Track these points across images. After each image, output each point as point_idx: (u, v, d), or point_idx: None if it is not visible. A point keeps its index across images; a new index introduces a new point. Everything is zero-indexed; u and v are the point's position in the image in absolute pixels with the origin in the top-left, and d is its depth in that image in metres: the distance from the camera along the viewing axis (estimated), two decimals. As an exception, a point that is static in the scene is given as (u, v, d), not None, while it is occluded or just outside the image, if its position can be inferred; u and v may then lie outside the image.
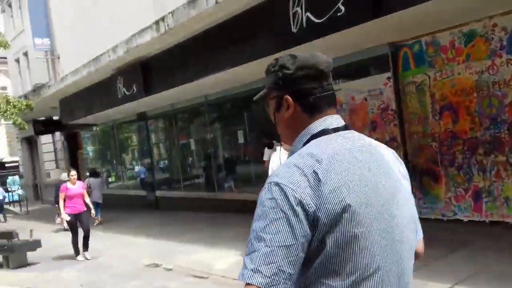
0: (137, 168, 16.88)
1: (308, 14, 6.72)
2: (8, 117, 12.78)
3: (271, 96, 1.40)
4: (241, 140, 11.30)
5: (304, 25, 6.84)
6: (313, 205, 1.17)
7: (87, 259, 8.45)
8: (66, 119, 16.02)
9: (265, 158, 9.56)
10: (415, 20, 6.57)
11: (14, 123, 13.22)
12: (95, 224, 13.28)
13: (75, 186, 8.77)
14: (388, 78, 7.95)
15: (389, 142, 8.04)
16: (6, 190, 30.58)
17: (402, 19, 6.27)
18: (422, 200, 7.78)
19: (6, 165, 35.77)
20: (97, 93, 13.20)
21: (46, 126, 20.72)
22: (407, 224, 1.33)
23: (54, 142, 23.12)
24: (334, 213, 1.17)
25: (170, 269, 6.99)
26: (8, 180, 35.49)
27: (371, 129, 8.32)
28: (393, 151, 1.44)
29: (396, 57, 7.89)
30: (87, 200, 8.90)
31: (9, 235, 8.31)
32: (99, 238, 10.79)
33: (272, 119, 1.43)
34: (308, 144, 1.31)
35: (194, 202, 12.54)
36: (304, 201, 1.17)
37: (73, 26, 17.50)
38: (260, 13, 7.59)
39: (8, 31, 23.25)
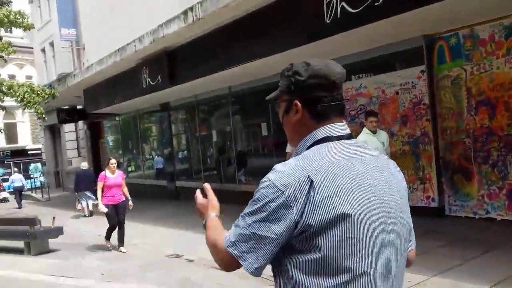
0: (156, 158, 16.95)
1: (344, 3, 6.48)
2: (31, 106, 12.82)
3: (282, 99, 1.46)
4: (264, 132, 11.12)
5: (338, 15, 6.61)
6: (299, 211, 1.24)
7: (121, 252, 8.02)
8: (90, 108, 16.05)
9: (287, 150, 9.39)
10: (452, 12, 6.29)
11: (36, 112, 13.27)
12: None
13: (114, 175, 8.18)
14: (422, 71, 7.67)
15: (421, 137, 7.79)
16: (29, 177, 31.16)
17: (439, 11, 6.00)
18: (453, 198, 7.52)
19: (29, 152, 36.40)
20: (121, 83, 13.16)
21: (69, 114, 20.88)
22: (401, 233, 1.37)
23: (76, 131, 23.29)
24: (325, 220, 1.22)
25: (192, 260, 6.86)
26: (30, 167, 36.13)
27: (402, 123, 8.06)
28: (393, 162, 1.48)
29: (431, 50, 7.62)
30: (126, 190, 8.35)
31: (32, 221, 8.28)
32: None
33: (280, 119, 1.49)
34: (310, 149, 1.36)
35: (215, 193, 12.37)
36: (289, 204, 1.24)
37: (99, 17, 17.53)
38: (292, 2, 7.38)
39: (35, 20, 23.40)
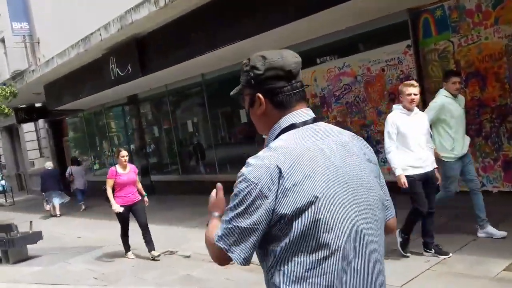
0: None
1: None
2: (10, 100, 11.96)
3: (246, 93, 1.53)
4: (244, 119, 10.80)
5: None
6: (273, 200, 1.31)
7: (155, 259, 6.60)
8: (52, 105, 15.23)
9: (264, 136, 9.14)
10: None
11: (1, 112, 12.45)
12: (81, 210, 13.65)
13: (126, 171, 6.84)
14: (408, 46, 7.54)
15: (410, 114, 7.67)
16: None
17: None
18: (446, 173, 7.45)
19: (-15, 156, 34.61)
20: (86, 76, 12.49)
21: (28, 113, 19.84)
22: (373, 206, 1.43)
23: (37, 130, 22.25)
24: (297, 205, 1.30)
25: (188, 256, 6.53)
26: (-13, 172, 34.41)
27: (389, 100, 7.92)
28: (360, 138, 1.54)
29: (416, 23, 7.47)
30: (140, 186, 7.11)
31: (8, 228, 7.70)
32: (100, 226, 10.29)
33: (247, 113, 1.56)
34: (278, 138, 1.41)
35: (192, 185, 12.04)
36: (264, 194, 1.31)
37: (53, 9, 16.64)
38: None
39: (-18, 15, 22.08)
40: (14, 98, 12.80)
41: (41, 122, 21.23)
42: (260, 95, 1.47)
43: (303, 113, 1.46)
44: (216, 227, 1.49)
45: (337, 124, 8.82)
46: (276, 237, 1.35)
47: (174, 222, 9.07)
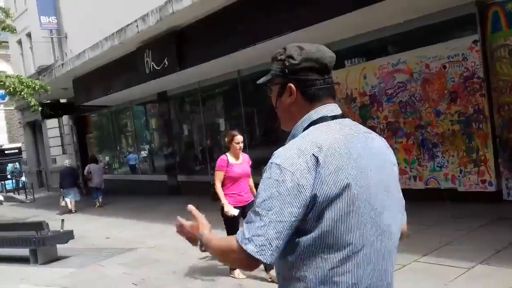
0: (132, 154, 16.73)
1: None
2: (26, 96, 11.60)
3: (275, 82, 1.50)
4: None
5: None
6: (310, 187, 1.29)
7: (271, 280, 4.95)
8: (80, 100, 14.86)
9: None
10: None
11: (30, 106, 12.07)
12: (95, 206, 13.95)
13: (239, 161, 5.32)
14: (475, 41, 6.92)
15: (474, 115, 7.07)
16: (6, 178, 29.64)
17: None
18: None
19: (6, 152, 34.65)
20: (118, 70, 12.08)
21: (54, 109, 19.63)
22: (394, 207, 1.45)
23: (60, 127, 22.00)
24: (331, 194, 1.29)
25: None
26: (8, 167, 34.43)
27: (450, 100, 7.31)
28: (383, 139, 1.53)
29: (485, 17, 6.86)
30: (252, 182, 5.45)
31: (39, 226, 7.24)
32: (126, 226, 9.84)
33: (273, 103, 1.53)
34: (308, 130, 1.41)
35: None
36: (301, 183, 1.28)
37: (81, 3, 16.30)
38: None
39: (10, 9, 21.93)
40: (45, 93, 12.39)
41: (65, 118, 20.99)
42: (292, 85, 1.44)
43: (333, 108, 1.46)
44: (222, 238, 1.48)
45: (389, 124, 8.36)
46: (305, 230, 1.31)
47: (214, 224, 8.53)
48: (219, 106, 12.70)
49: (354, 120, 1.50)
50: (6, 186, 28.00)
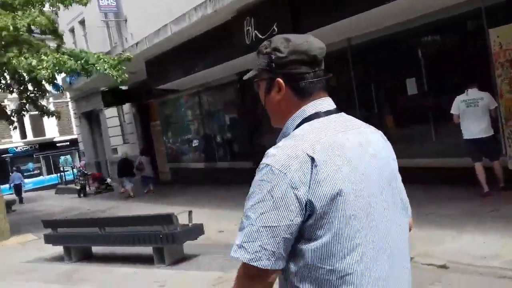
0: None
1: None
2: (106, 69, 10.47)
3: (262, 78, 1.41)
4: (411, 90, 8.78)
5: None
6: (304, 189, 1.20)
7: None
8: (155, 83, 13.73)
9: (453, 111, 7.12)
10: None
11: (121, 80, 10.98)
12: (145, 191, 15.61)
13: None
14: None
15: None
16: (60, 170, 29.33)
17: None
18: None
19: (58, 144, 34.41)
20: (206, 45, 10.83)
21: (115, 97, 18.74)
22: (395, 202, 1.37)
23: (120, 116, 21.11)
24: (330, 197, 1.21)
25: (443, 266, 4.66)
26: (60, 160, 34.18)
27: None
28: (380, 132, 1.45)
29: None
30: None
31: (167, 219, 6.05)
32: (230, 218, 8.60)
33: (262, 100, 1.43)
34: (301, 127, 1.33)
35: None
36: (294, 185, 1.20)
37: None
38: None
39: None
40: (128, 62, 11.22)
41: (126, 107, 20.09)
42: (281, 80, 1.36)
43: (326, 102, 1.37)
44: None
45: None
46: (305, 240, 1.24)
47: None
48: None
49: None
50: (66, 177, 27.76)
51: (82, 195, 19.47)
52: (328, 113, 1.35)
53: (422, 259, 4.80)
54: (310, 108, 1.35)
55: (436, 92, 8.58)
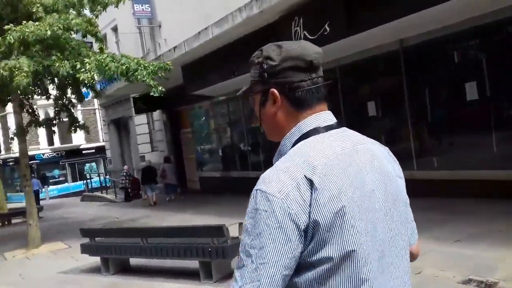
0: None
1: None
2: (144, 76, 10.03)
3: (256, 90, 1.30)
4: (471, 95, 8.12)
5: None
6: (305, 216, 1.09)
7: None
8: (191, 88, 13.31)
9: None
10: None
11: (151, 87, 10.49)
12: (167, 199, 16.04)
13: None
14: None
15: None
16: (85, 178, 29.22)
17: None
18: None
19: (84, 152, 34.44)
20: (249, 47, 10.32)
21: (146, 104, 18.40)
22: (399, 224, 1.25)
23: (149, 123, 20.79)
24: (332, 222, 1.09)
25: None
26: (85, 167, 34.15)
27: None
28: (387, 149, 1.35)
29: None
30: None
31: (217, 231, 5.50)
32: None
33: (257, 115, 1.32)
34: (298, 145, 1.21)
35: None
36: (293, 212, 1.08)
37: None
38: None
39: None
40: (168, 73, 10.78)
41: (155, 114, 19.78)
42: (275, 91, 1.23)
43: (326, 116, 1.25)
44: None
45: None
46: (306, 268, 1.11)
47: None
48: (375, 84, 10.47)
49: None
50: (92, 185, 27.68)
51: (128, 198, 18.97)
52: (328, 128, 1.23)
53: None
54: (308, 123, 1.24)
55: (499, 97, 7.91)
